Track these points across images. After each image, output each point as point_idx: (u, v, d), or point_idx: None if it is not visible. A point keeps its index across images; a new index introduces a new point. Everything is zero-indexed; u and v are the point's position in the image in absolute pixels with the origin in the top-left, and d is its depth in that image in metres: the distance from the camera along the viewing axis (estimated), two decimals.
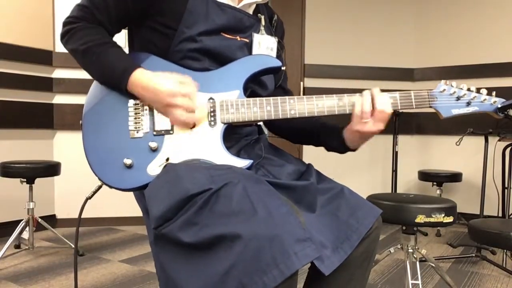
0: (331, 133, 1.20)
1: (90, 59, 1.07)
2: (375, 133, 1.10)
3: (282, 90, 1.33)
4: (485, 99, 1.12)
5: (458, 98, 1.12)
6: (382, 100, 1.08)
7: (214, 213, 0.86)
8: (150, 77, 1.03)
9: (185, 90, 1.02)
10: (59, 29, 3.48)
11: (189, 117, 1.04)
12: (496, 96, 1.12)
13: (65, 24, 1.11)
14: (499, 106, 1.11)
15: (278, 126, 1.32)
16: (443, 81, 1.13)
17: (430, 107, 1.13)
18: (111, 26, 1.11)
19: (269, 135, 1.32)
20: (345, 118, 1.13)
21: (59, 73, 3.49)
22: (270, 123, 1.33)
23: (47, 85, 3.44)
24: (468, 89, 1.12)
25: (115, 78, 1.05)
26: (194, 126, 1.06)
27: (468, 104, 1.12)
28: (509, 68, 3.68)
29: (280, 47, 1.27)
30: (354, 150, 1.20)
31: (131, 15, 1.10)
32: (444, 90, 1.12)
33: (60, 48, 3.42)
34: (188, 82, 1.04)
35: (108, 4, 1.08)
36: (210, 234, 0.84)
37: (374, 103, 1.08)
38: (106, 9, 1.08)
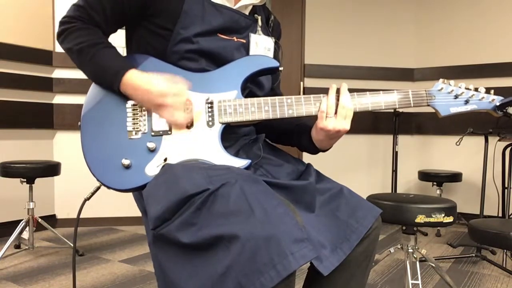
0: (303, 132, 1.19)
1: (84, 59, 1.08)
2: (340, 131, 1.09)
3: (273, 93, 1.32)
4: (483, 97, 1.12)
5: (456, 97, 1.12)
6: (346, 97, 1.08)
7: (212, 213, 0.86)
8: (141, 78, 1.04)
9: (175, 90, 1.03)
10: None
11: (180, 116, 1.04)
12: (495, 95, 1.12)
13: (61, 23, 1.11)
14: (498, 104, 1.11)
15: (261, 125, 1.29)
16: (441, 80, 1.13)
17: (428, 105, 1.13)
18: (107, 26, 1.12)
19: None
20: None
21: (59, 73, 3.49)
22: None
23: (47, 85, 3.44)
24: (466, 88, 1.12)
25: (108, 79, 1.06)
26: (191, 126, 1.07)
27: (466, 102, 1.12)
28: (509, 68, 3.68)
29: (277, 48, 1.27)
30: (324, 150, 1.19)
31: (126, 16, 1.11)
32: (442, 88, 1.12)
33: (60, 48, 3.42)
34: (178, 81, 1.04)
35: (104, 5, 1.08)
36: (208, 235, 0.84)
37: (339, 98, 1.08)
38: (101, 9, 1.09)
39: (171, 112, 1.03)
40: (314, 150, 1.19)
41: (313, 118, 1.12)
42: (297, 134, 1.21)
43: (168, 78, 1.04)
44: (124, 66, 1.05)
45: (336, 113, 1.08)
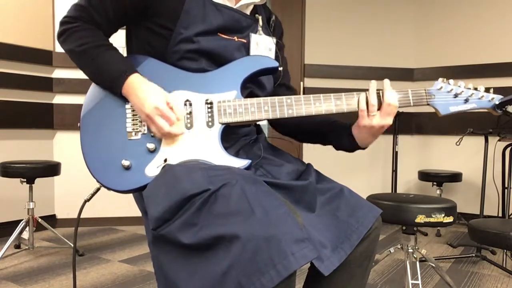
0: (341, 131, 1.19)
1: (86, 60, 1.08)
2: (383, 127, 1.10)
3: (285, 87, 1.32)
4: (482, 96, 1.12)
5: (455, 95, 1.12)
6: (391, 94, 1.08)
7: (213, 213, 0.86)
8: (143, 84, 1.04)
9: (168, 113, 1.02)
10: None
11: (161, 133, 1.03)
12: (495, 94, 1.12)
13: (62, 23, 1.11)
14: (497, 102, 1.11)
15: (284, 125, 1.31)
16: (440, 79, 1.13)
17: (428, 104, 1.13)
18: (108, 26, 1.12)
19: (269, 135, 1.32)
20: (354, 117, 1.13)
21: (59, 73, 3.49)
22: (276, 122, 1.32)
23: (47, 85, 3.44)
24: (466, 87, 1.12)
25: (110, 82, 1.06)
26: (191, 126, 1.07)
27: (466, 101, 1.12)
28: (509, 68, 3.68)
29: (279, 47, 1.27)
30: (363, 148, 1.19)
31: (128, 15, 1.11)
32: (442, 87, 1.12)
33: (60, 48, 3.42)
34: (175, 106, 1.04)
35: (106, 6, 1.08)
36: (208, 235, 0.84)
37: (383, 95, 1.08)
38: (103, 9, 1.08)
39: (156, 128, 1.03)
40: (353, 148, 1.19)
41: (348, 116, 1.12)
42: (335, 133, 1.21)
43: (166, 97, 1.03)
44: (127, 69, 1.05)
45: (379, 109, 1.08)
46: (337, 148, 1.24)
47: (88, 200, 1.22)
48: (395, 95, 1.09)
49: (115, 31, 1.16)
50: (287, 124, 1.30)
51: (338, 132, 1.20)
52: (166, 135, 1.04)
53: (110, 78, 1.06)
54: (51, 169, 2.72)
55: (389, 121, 1.09)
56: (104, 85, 1.09)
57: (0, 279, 2.35)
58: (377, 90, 1.10)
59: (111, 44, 1.11)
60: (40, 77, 3.39)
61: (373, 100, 1.08)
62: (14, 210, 3.13)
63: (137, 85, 1.04)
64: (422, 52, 4.14)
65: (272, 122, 1.31)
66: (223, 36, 1.12)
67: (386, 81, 1.10)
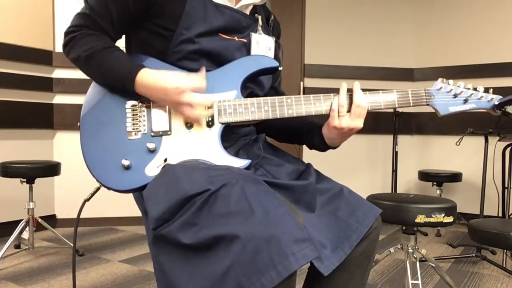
0: (312, 130, 1.20)
1: (94, 64, 1.06)
2: (353, 130, 1.09)
3: (274, 91, 1.32)
4: (482, 96, 1.12)
5: (455, 96, 1.12)
6: (360, 96, 1.09)
7: (213, 213, 0.86)
8: (155, 76, 1.03)
9: (191, 86, 1.02)
10: (59, 29, 3.45)
11: (196, 114, 1.03)
12: (494, 94, 1.13)
13: (66, 33, 1.10)
14: (496, 103, 1.12)
15: (264, 124, 1.29)
16: (440, 79, 1.14)
17: (428, 104, 1.13)
18: (114, 32, 1.11)
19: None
20: None
21: (59, 73, 3.49)
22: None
23: (47, 85, 3.44)
24: (465, 87, 1.12)
25: (121, 81, 1.04)
26: (191, 126, 1.07)
27: (465, 101, 1.12)
28: (509, 68, 3.68)
29: (278, 47, 1.27)
30: (334, 148, 1.19)
31: (132, 19, 1.10)
32: (441, 87, 1.12)
33: (60, 48, 3.43)
34: (194, 77, 1.03)
35: (110, 10, 1.07)
36: (208, 235, 0.84)
37: (352, 97, 1.09)
38: (108, 15, 1.07)
39: (188, 110, 1.03)
40: (324, 148, 1.20)
41: (322, 117, 1.12)
42: (307, 132, 1.21)
43: (182, 74, 1.03)
44: (135, 66, 1.04)
45: (349, 111, 1.08)
46: (310, 147, 1.24)
47: (88, 199, 1.23)
48: (364, 97, 1.09)
49: (120, 37, 1.15)
50: (267, 123, 1.27)
51: (310, 131, 1.21)
52: (196, 115, 1.03)
53: (119, 77, 1.04)
54: (51, 169, 2.72)
55: (358, 123, 1.09)
56: (115, 85, 1.07)
57: (0, 279, 2.35)
58: (348, 92, 1.09)
59: (117, 47, 1.10)
60: (40, 77, 3.39)
61: (343, 101, 1.08)
62: (14, 210, 3.13)
63: (152, 78, 1.02)
64: (422, 52, 4.14)
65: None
66: (223, 36, 1.12)
67: (356, 84, 1.10)
